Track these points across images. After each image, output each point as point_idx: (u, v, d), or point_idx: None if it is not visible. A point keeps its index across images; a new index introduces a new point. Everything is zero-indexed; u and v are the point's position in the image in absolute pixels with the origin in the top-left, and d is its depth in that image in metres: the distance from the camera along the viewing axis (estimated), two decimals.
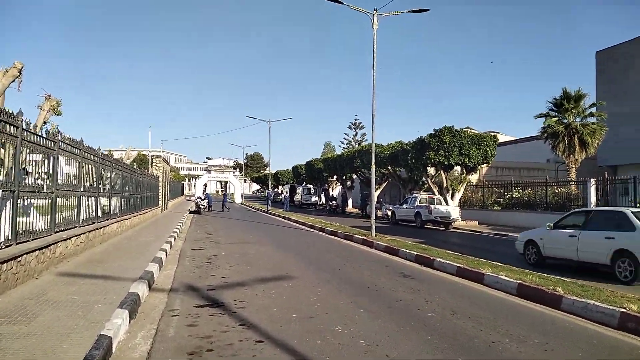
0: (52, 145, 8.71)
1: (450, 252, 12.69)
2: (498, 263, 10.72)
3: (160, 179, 32.76)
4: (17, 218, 6.92)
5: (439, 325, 5.84)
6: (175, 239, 15.54)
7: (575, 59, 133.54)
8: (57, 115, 15.74)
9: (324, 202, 51.18)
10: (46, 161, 8.47)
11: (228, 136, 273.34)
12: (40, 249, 7.63)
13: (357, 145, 73.27)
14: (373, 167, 17.16)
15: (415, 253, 12.10)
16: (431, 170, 28.27)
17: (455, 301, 7.26)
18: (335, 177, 50.27)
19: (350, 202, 47.94)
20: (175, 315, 6.09)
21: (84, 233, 10.56)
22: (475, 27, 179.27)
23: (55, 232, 8.81)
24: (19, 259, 6.79)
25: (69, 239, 9.34)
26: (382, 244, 14.29)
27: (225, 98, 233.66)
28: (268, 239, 16.79)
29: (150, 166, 35.91)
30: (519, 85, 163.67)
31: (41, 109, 12.56)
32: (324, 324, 5.72)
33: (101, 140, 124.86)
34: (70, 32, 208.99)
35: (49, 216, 8.52)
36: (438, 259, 10.96)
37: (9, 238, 6.70)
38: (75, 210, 10.46)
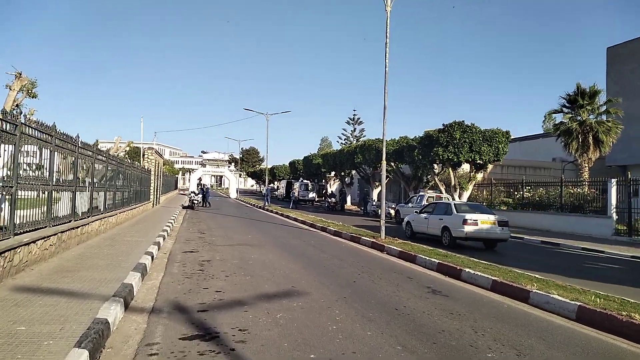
0: (13, 129, 7.13)
1: (474, 259, 11.25)
2: (535, 274, 9.29)
3: (152, 172, 31.13)
4: None
5: None
6: (164, 239, 14.01)
7: (583, 55, 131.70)
8: (32, 97, 14.11)
9: (322, 199, 49.78)
10: (3, 148, 6.89)
11: (224, 130, 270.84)
12: None
13: (355, 141, 71.79)
14: (384, 162, 15.64)
15: (436, 261, 10.63)
16: (437, 167, 26.85)
17: (511, 332, 5.77)
18: (333, 173, 48.78)
19: (349, 199, 46.49)
20: (154, 354, 4.56)
21: (54, 234, 8.99)
22: (477, 20, 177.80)
23: (15, 235, 7.25)
24: None
25: (33, 242, 7.77)
26: (395, 248, 12.82)
27: (222, 90, 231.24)
28: (268, 239, 15.26)
29: (142, 158, 34.25)
30: (521, 81, 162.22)
31: (10, 89, 10.92)
32: None
33: (93, 132, 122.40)
34: (62, 19, 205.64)
35: (3, 214, 6.96)
36: (466, 270, 9.48)
37: None
38: (45, 207, 8.89)
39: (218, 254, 11.49)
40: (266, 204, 38.46)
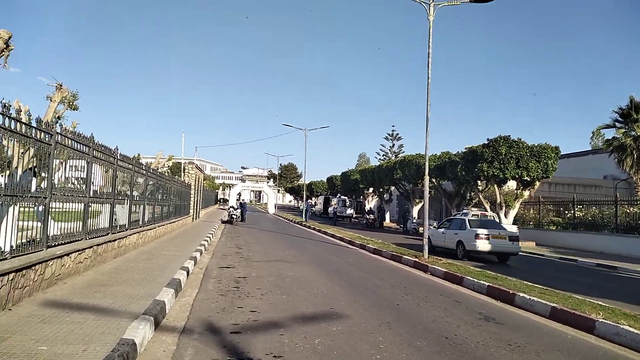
0: (48, 138, 7.03)
1: (527, 282, 10.43)
2: (597, 301, 8.44)
3: (192, 187, 31.42)
4: None
5: None
6: (201, 254, 13.80)
7: (632, 68, 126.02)
8: (73, 110, 14.33)
9: (360, 215, 49.07)
10: (38, 158, 6.78)
11: (263, 146, 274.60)
12: (19, 270, 5.87)
13: (393, 157, 70.88)
14: (426, 178, 15.02)
15: (486, 284, 9.87)
16: (481, 184, 25.81)
17: None
18: (371, 189, 48.07)
19: (387, 215, 45.59)
20: None
21: (90, 247, 8.85)
22: (520, 32, 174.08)
23: (49, 247, 7.10)
24: None
25: (67, 255, 7.60)
26: (440, 268, 12.10)
27: (262, 107, 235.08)
28: (305, 256, 14.82)
29: (182, 173, 34.71)
30: (567, 96, 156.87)
31: (51, 100, 11.01)
32: None
33: (135, 147, 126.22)
34: (98, 34, 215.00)
35: (37, 226, 6.82)
36: (520, 294, 8.70)
37: None
38: (81, 219, 8.78)
39: (254, 270, 11.13)
40: (305, 219, 38.13)
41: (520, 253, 19.96)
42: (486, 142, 22.59)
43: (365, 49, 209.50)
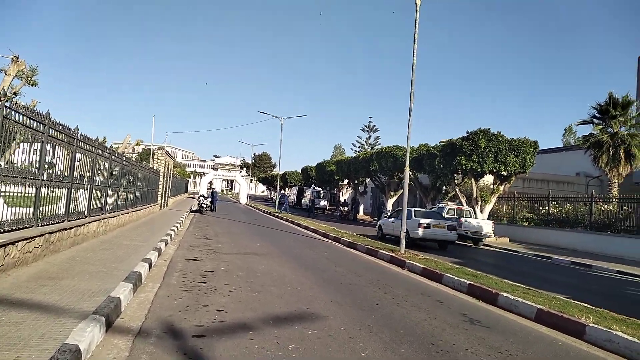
0: None
1: (507, 281, 10.08)
2: (582, 303, 8.12)
3: (162, 173, 30.29)
4: None
5: None
6: (167, 244, 13.01)
7: (608, 66, 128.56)
8: (32, 85, 13.16)
9: (334, 207, 48.61)
10: None
11: (237, 134, 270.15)
12: None
13: (369, 149, 70.66)
14: (407, 170, 14.54)
15: (466, 282, 9.44)
16: (457, 178, 25.61)
17: None
18: (346, 181, 47.65)
19: (362, 208, 45.29)
20: None
21: (41, 235, 8.00)
22: (496, 26, 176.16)
23: None
24: None
25: (12, 243, 6.77)
26: (418, 264, 11.65)
27: (234, 93, 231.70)
28: (278, 249, 14.18)
29: (151, 159, 33.46)
30: (539, 92, 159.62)
31: (5, 73, 9.98)
32: None
33: (103, 132, 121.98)
34: (72, 19, 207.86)
35: None
36: (504, 294, 8.30)
37: None
38: (31, 204, 7.92)
39: (223, 264, 10.43)
40: (281, 211, 37.32)
41: (492, 249, 19.94)
42: (465, 135, 22.32)
43: (344, 40, 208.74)
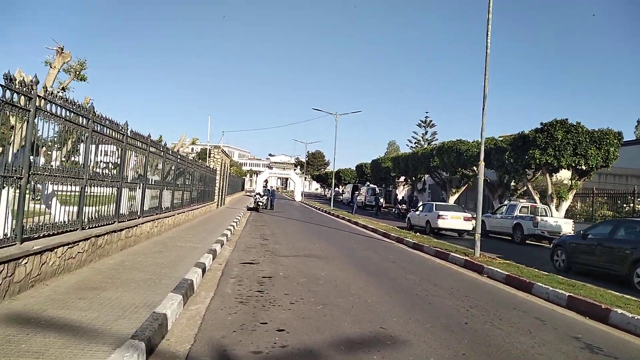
0: (27, 103, 5.49)
1: (612, 292, 8.53)
2: None
3: (218, 172, 30.12)
4: None
5: None
6: (222, 245, 12.30)
7: None
8: (81, 80, 12.76)
9: (391, 205, 47.08)
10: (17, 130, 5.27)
11: (291, 132, 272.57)
12: None
13: (426, 144, 68.33)
14: (482, 164, 13.05)
15: (565, 293, 7.99)
16: (529, 173, 23.53)
17: None
18: (403, 177, 45.96)
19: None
20: None
21: (85, 239, 7.36)
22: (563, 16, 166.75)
23: (23, 241, 5.61)
24: None
25: (50, 250, 6.10)
26: (499, 270, 10.24)
27: (289, 92, 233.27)
28: (338, 251, 13.15)
29: (208, 158, 33.44)
30: (608, 83, 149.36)
31: (51, 66, 9.50)
32: None
33: (159, 132, 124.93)
34: (125, 16, 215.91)
35: (11, 214, 5.32)
36: (617, 311, 6.82)
37: None
38: (75, 204, 7.30)
39: (281, 268, 9.52)
40: (353, 213, 35.79)
41: None
42: (539, 127, 20.30)
43: (398, 33, 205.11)
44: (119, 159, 9.39)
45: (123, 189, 9.68)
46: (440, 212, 21.03)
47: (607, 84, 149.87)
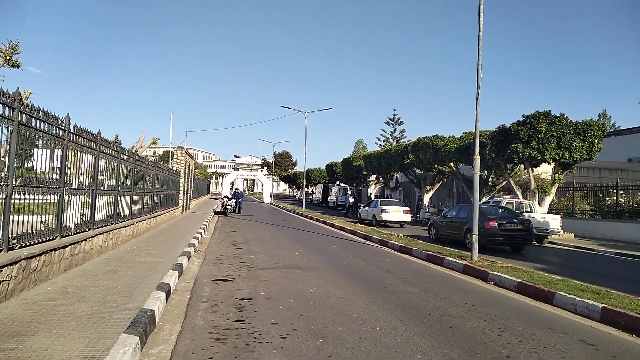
0: None
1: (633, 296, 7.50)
2: None
3: (182, 175, 28.20)
4: None
5: None
6: (189, 258, 10.73)
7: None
8: (13, 66, 10.81)
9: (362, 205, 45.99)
10: None
11: (258, 132, 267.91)
12: None
13: (394, 142, 67.81)
14: (477, 157, 11.95)
15: (599, 305, 6.84)
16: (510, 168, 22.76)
17: None
18: (374, 176, 44.98)
19: None
20: None
21: (12, 263, 5.69)
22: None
23: None
24: None
25: None
26: (507, 277, 9.07)
27: (255, 91, 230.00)
28: (322, 258, 11.76)
29: (170, 160, 31.42)
30: (567, 76, 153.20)
31: None
32: None
33: (116, 132, 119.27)
34: (90, 17, 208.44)
35: None
36: None
37: None
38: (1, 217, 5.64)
39: (262, 285, 8.04)
40: (347, 214, 34.95)
41: (561, 247, 17.60)
42: (522, 120, 19.51)
43: (365, 31, 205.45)
44: (60, 161, 7.70)
45: (67, 196, 7.99)
46: (384, 207, 24.70)
47: (569, 74, 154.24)
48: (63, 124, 7.64)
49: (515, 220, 15.18)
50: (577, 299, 7.26)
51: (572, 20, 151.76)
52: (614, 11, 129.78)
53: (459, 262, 10.96)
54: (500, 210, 16.24)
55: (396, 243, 14.85)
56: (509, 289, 8.72)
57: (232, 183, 70.27)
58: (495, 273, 9.52)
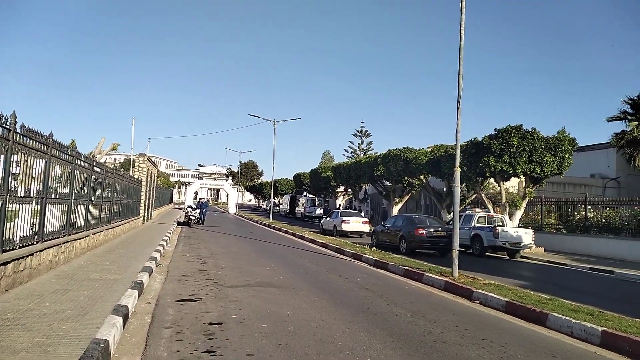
0: None
1: (607, 311, 7.15)
2: None
3: (144, 183, 26.91)
4: None
5: None
6: (151, 274, 9.81)
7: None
8: None
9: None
10: None
11: (222, 141, 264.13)
12: None
13: (362, 154, 67.80)
14: (457, 170, 11.53)
15: (598, 329, 6.40)
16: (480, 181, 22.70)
17: None
18: (342, 187, 44.57)
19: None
20: None
21: None
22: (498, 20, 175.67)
23: None
24: None
25: None
26: (494, 296, 8.60)
27: (221, 100, 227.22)
28: (296, 275, 11.03)
29: (132, 167, 30.03)
30: (540, 89, 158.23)
31: None
32: None
33: (72, 137, 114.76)
34: (47, 15, 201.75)
35: None
36: None
37: None
38: None
39: (233, 306, 7.26)
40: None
41: (533, 262, 17.58)
42: (494, 133, 19.41)
43: (336, 41, 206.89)
44: (2, 165, 6.72)
45: (11, 205, 7.00)
46: (344, 218, 25.76)
47: (530, 87, 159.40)
48: (8, 123, 6.70)
49: (440, 229, 17.52)
50: (574, 321, 6.82)
51: (529, 38, 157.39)
52: (579, 31, 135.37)
53: (440, 278, 10.46)
54: (428, 221, 18.47)
55: (371, 257, 14.27)
56: (497, 309, 8.23)
57: (196, 192, 68.53)
58: (480, 291, 9.04)
